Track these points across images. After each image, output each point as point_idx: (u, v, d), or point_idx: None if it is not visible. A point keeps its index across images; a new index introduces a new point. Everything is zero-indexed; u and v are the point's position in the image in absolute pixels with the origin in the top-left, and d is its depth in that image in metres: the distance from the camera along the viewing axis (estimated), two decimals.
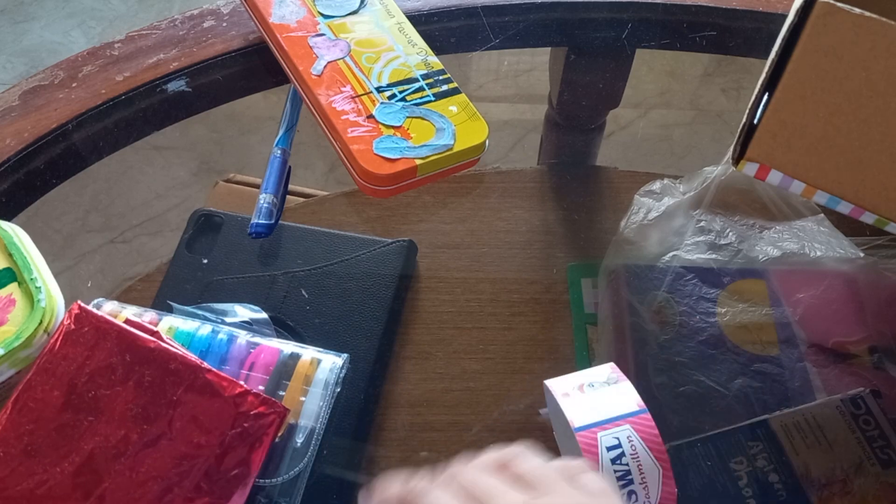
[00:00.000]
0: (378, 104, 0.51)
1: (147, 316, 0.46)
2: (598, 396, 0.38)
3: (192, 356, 0.42)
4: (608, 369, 0.39)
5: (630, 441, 0.36)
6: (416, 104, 0.51)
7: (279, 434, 0.42)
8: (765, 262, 0.52)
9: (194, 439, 0.41)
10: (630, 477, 0.35)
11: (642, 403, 0.37)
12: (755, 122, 0.39)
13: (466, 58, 0.65)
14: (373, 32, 0.55)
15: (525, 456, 0.32)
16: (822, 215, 0.53)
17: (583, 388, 0.39)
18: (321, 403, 0.43)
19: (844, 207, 0.38)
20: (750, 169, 0.39)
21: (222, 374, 0.42)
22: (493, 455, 0.33)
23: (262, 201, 0.51)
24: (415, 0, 0.64)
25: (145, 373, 0.42)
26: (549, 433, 0.46)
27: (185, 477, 0.40)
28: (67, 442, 0.40)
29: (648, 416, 0.37)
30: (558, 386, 0.39)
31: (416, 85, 0.52)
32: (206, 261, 0.53)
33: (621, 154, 0.79)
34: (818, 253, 0.52)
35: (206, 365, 0.42)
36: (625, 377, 0.39)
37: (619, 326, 0.50)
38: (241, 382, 0.42)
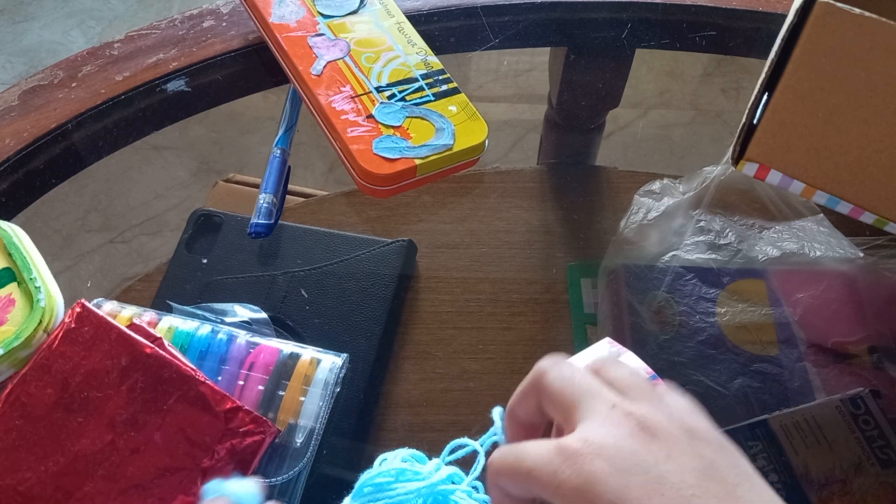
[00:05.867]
0: (378, 104, 0.51)
1: (147, 316, 0.46)
2: None
3: (189, 365, 0.42)
4: (607, 344, 0.39)
5: None
6: (416, 104, 0.51)
7: (274, 440, 0.42)
8: (764, 262, 0.52)
9: (180, 451, 0.40)
10: None
11: (650, 370, 0.37)
12: (755, 122, 0.39)
13: (466, 58, 0.65)
14: (372, 32, 0.55)
15: (615, 365, 0.31)
16: (822, 215, 0.53)
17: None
18: (321, 403, 0.43)
19: (844, 207, 0.38)
20: (749, 169, 0.39)
21: (216, 387, 0.42)
22: (581, 358, 0.32)
23: (261, 201, 0.51)
24: (414, 0, 0.64)
25: (139, 378, 0.41)
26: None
27: (166, 489, 0.40)
28: (55, 441, 0.40)
29: (660, 381, 0.36)
30: None
31: (416, 85, 0.52)
32: (205, 261, 0.53)
33: (621, 154, 0.79)
34: (818, 253, 0.52)
35: (201, 376, 0.42)
36: (625, 348, 0.38)
37: (619, 326, 0.50)
38: (235, 398, 0.41)
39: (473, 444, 0.35)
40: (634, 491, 0.25)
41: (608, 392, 0.29)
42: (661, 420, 0.27)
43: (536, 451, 0.28)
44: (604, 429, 0.27)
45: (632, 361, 0.38)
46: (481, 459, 0.35)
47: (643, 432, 0.27)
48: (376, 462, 0.37)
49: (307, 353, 0.45)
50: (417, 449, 0.48)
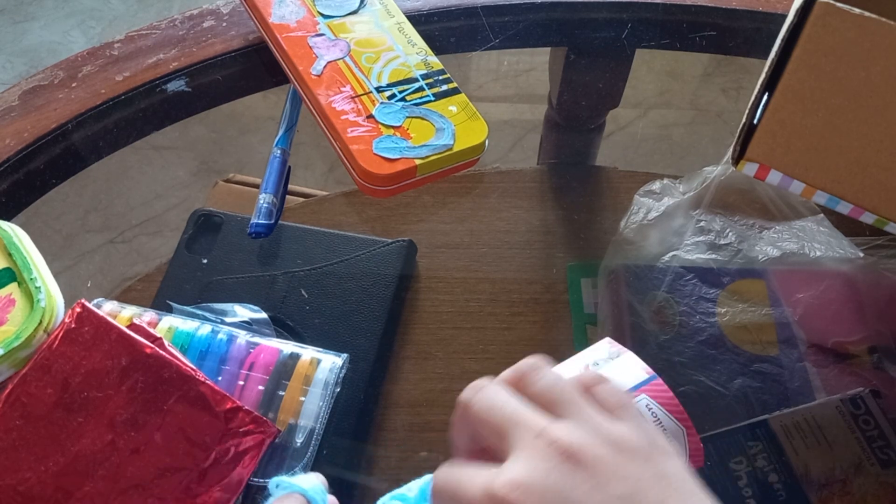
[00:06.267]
0: (378, 104, 0.51)
1: (147, 316, 0.46)
2: (605, 373, 0.38)
3: (189, 365, 0.42)
4: (607, 345, 0.39)
5: (650, 409, 0.35)
6: (416, 104, 0.51)
7: (275, 439, 0.42)
8: (764, 262, 0.52)
9: (180, 451, 0.40)
10: None
11: (650, 370, 0.37)
12: (755, 122, 0.39)
13: (466, 58, 0.65)
14: (372, 32, 0.55)
15: (538, 372, 0.32)
16: (822, 215, 0.53)
17: (588, 368, 0.38)
18: (321, 403, 0.43)
19: (844, 207, 0.38)
20: (750, 169, 0.40)
21: (216, 387, 0.42)
22: (506, 374, 0.32)
23: (261, 201, 0.51)
24: (414, 0, 0.64)
25: (139, 378, 0.41)
26: None
27: (166, 489, 0.40)
28: (55, 441, 0.40)
29: (660, 380, 0.36)
30: (565, 371, 0.39)
31: (416, 85, 0.52)
32: (205, 261, 0.53)
33: (621, 154, 0.79)
34: (818, 253, 0.52)
35: (201, 376, 0.42)
36: (625, 348, 0.38)
37: (619, 327, 0.50)
38: (235, 398, 0.41)
39: None
40: None
41: (532, 416, 0.29)
42: (584, 441, 0.28)
43: (470, 487, 0.28)
44: (530, 465, 0.27)
45: (631, 362, 0.38)
46: None
47: (568, 462, 0.27)
48: None
49: (307, 353, 0.45)
50: (418, 450, 0.48)
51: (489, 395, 0.31)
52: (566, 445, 0.27)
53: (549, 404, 0.30)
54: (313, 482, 0.35)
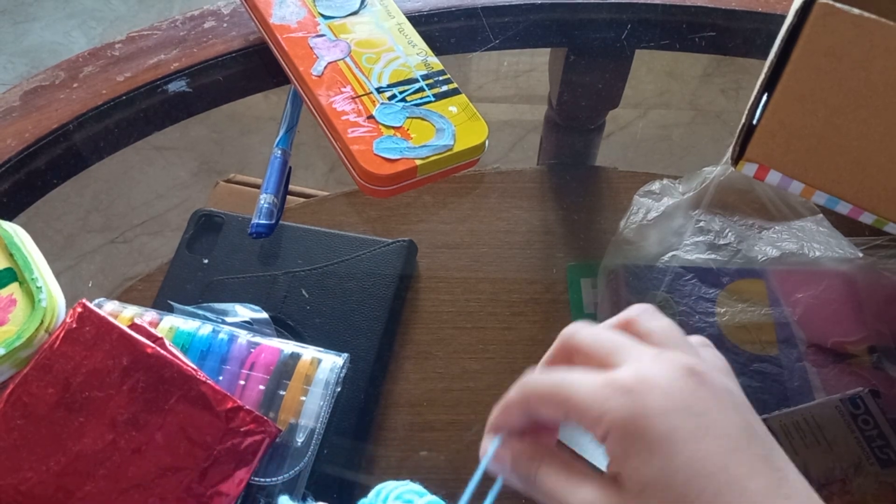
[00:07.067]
0: (378, 105, 0.51)
1: (148, 316, 0.46)
2: None
3: (190, 365, 0.42)
4: None
5: None
6: (417, 105, 0.51)
7: (275, 440, 0.42)
8: (764, 262, 0.52)
9: (181, 451, 0.40)
10: None
11: None
12: (754, 122, 0.39)
13: (466, 58, 0.65)
14: (373, 33, 0.55)
15: (650, 315, 0.30)
16: (821, 215, 0.53)
17: None
18: (321, 403, 0.43)
19: (843, 207, 0.38)
20: (749, 169, 0.40)
21: (217, 387, 0.42)
22: (613, 320, 0.31)
23: (262, 201, 0.52)
24: (415, 1, 0.64)
25: (140, 378, 0.41)
26: None
27: (167, 489, 0.40)
28: (56, 441, 0.40)
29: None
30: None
31: (417, 85, 0.53)
32: (206, 261, 0.53)
33: (621, 154, 0.79)
34: (817, 253, 0.52)
35: (202, 376, 0.42)
36: None
37: None
38: (236, 397, 0.42)
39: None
40: (682, 432, 0.25)
41: (642, 346, 0.28)
42: (708, 368, 0.27)
43: (581, 379, 0.27)
44: (655, 367, 0.27)
45: None
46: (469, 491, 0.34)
47: (694, 377, 0.26)
48: (372, 492, 0.37)
49: (308, 352, 0.45)
50: (418, 450, 0.48)
51: (596, 329, 0.30)
52: (692, 364, 0.27)
53: (662, 341, 0.29)
54: None
